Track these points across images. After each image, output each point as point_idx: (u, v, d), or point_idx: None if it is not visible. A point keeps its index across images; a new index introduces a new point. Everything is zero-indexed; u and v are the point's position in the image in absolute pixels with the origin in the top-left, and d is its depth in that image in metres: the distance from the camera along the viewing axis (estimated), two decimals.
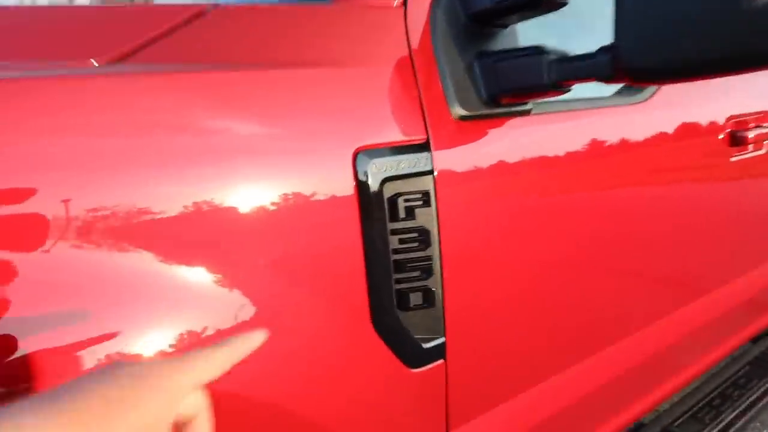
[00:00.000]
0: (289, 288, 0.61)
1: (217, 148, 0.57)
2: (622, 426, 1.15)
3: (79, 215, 0.49)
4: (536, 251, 0.84)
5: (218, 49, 0.65)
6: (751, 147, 1.28)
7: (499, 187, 0.77)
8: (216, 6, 0.68)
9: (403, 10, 0.73)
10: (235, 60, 0.65)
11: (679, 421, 1.47)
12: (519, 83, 0.74)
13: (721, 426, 1.47)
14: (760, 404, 1.61)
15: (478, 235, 0.76)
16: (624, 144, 0.96)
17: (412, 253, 0.69)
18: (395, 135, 0.67)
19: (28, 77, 0.54)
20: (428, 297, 0.71)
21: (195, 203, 0.54)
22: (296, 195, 0.60)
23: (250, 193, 0.58)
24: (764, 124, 1.31)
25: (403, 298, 0.69)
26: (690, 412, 1.51)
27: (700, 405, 1.55)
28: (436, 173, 0.70)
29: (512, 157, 0.79)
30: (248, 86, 0.61)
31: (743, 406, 1.57)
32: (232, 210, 0.56)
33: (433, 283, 0.71)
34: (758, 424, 2.10)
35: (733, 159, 1.23)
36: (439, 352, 0.74)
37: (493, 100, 0.77)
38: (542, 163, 0.83)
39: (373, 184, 0.64)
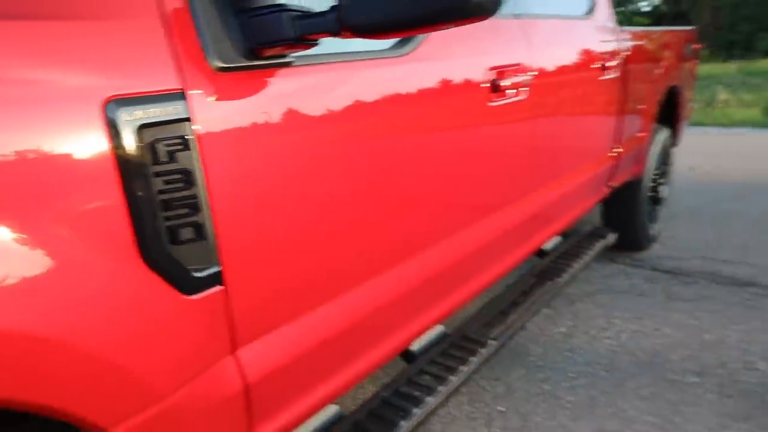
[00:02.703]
0: (60, 237, 0.66)
1: None
2: (422, 330, 1.36)
3: None
4: (303, 186, 0.96)
5: None
6: (509, 93, 1.51)
7: (261, 130, 0.87)
8: None
9: None
10: None
11: (475, 326, 1.75)
12: (270, 37, 0.84)
13: (512, 329, 1.78)
14: (534, 312, 1.97)
15: (246, 174, 0.86)
16: (385, 93, 1.11)
17: (177, 193, 0.77)
18: (148, 85, 0.74)
19: None
20: (199, 231, 0.80)
21: None
22: (44, 145, 0.64)
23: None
24: (520, 74, 1.56)
25: (173, 233, 0.78)
26: (482, 320, 1.81)
27: (494, 314, 1.86)
28: (196, 119, 0.78)
29: (273, 104, 0.89)
30: None
31: (528, 311, 1.91)
32: None
33: (203, 218, 0.80)
34: (535, 320, 2.57)
35: (493, 104, 1.46)
36: (215, 279, 0.83)
37: (252, 53, 0.86)
38: (302, 108, 0.94)
39: (128, 131, 0.71)
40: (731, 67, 17.91)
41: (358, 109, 1.05)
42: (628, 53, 2.47)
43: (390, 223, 1.20)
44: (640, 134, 2.88)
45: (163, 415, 0.77)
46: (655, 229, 3.60)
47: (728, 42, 23.54)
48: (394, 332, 1.29)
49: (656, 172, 3.42)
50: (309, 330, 1.04)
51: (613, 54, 2.28)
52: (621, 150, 2.62)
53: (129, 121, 0.71)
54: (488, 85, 1.42)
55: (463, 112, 1.39)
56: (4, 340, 0.60)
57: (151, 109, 0.73)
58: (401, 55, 1.17)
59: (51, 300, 0.65)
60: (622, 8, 30.37)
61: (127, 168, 0.71)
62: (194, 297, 0.81)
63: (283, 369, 0.98)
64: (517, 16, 1.65)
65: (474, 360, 1.56)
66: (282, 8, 0.82)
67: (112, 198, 0.70)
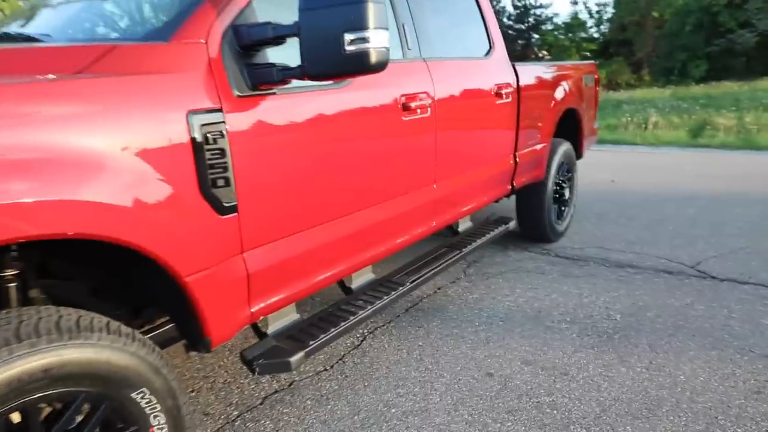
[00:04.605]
0: (159, 183, 1.35)
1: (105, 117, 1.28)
2: (360, 265, 2.08)
3: None
4: (283, 161, 1.68)
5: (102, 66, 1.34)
6: (418, 111, 2.27)
7: (260, 127, 1.59)
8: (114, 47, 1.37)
9: (206, 45, 1.49)
10: (108, 71, 1.35)
11: (397, 276, 2.48)
12: (265, 80, 1.56)
13: (419, 280, 2.51)
14: (441, 268, 2.71)
15: (252, 151, 1.57)
16: (333, 111, 1.84)
17: (216, 160, 1.47)
18: (206, 104, 1.44)
19: None
20: (227, 181, 1.50)
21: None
22: (156, 133, 1.34)
23: (134, 137, 1.30)
24: (424, 98, 2.31)
25: (214, 182, 1.47)
26: (404, 272, 2.54)
27: (411, 268, 2.59)
28: (226, 122, 1.48)
29: (265, 113, 1.60)
30: (124, 87, 1.32)
31: (437, 270, 2.65)
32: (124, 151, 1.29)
33: (229, 174, 1.50)
34: (438, 278, 3.35)
35: (406, 118, 2.20)
36: (234, 209, 1.53)
37: (254, 87, 1.57)
38: (282, 117, 1.66)
39: (197, 127, 1.41)
40: (666, 92, 19.53)
41: (315, 119, 1.77)
42: (523, 84, 3.28)
43: (342, 192, 1.92)
44: (539, 146, 3.69)
45: (207, 278, 1.46)
46: (562, 226, 4.42)
47: (666, 69, 25.51)
48: (344, 260, 2.00)
49: (560, 177, 4.25)
50: (287, 249, 1.74)
51: (507, 84, 3.08)
52: (519, 158, 3.42)
53: (197, 122, 1.41)
54: (401, 106, 2.17)
55: (386, 123, 2.13)
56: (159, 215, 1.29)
57: (206, 116, 1.43)
58: (342, 87, 1.90)
59: (167, 212, 1.34)
60: (571, 35, 32.31)
61: (195, 146, 1.41)
62: (224, 218, 1.51)
63: (270, 269, 1.68)
64: (425, 59, 2.41)
65: (394, 293, 2.29)
66: (272, 65, 1.54)
67: (188, 162, 1.40)
